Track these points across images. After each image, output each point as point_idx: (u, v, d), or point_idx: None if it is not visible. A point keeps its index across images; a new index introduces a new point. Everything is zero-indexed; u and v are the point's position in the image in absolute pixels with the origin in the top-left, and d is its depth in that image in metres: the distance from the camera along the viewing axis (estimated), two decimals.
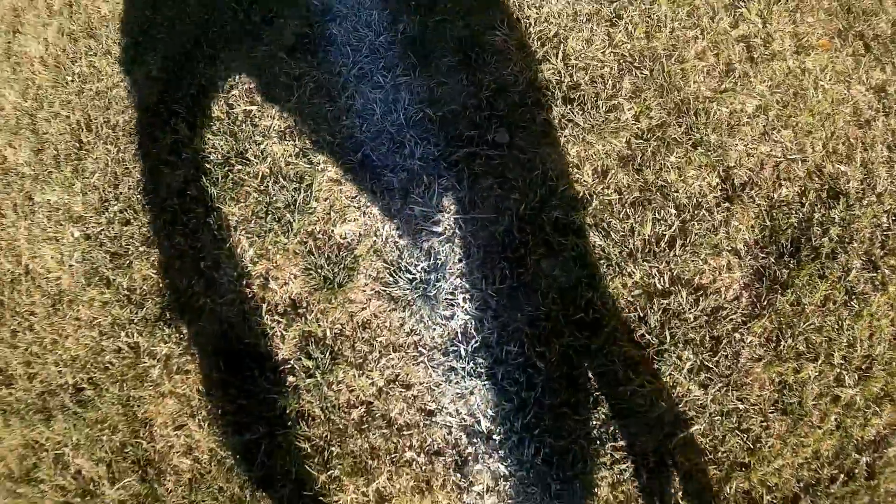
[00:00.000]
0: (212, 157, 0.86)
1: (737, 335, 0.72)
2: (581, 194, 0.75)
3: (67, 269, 0.90)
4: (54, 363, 0.85)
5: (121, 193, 0.91)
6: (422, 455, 0.66)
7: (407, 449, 0.66)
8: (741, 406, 0.70)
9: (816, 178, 0.85)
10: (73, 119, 1.07)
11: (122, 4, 1.19)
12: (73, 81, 1.14)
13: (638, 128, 0.80)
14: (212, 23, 1.06)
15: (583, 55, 0.87)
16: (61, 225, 0.96)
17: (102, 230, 0.89)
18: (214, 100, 0.92)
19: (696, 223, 0.75)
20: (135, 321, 0.79)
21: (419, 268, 0.75)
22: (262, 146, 0.85)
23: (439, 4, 0.96)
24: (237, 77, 0.94)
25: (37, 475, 0.80)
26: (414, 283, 0.74)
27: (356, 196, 0.78)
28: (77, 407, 0.80)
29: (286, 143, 0.84)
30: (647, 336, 0.70)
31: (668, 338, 0.70)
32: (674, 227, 0.75)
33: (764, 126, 0.85)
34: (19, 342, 0.90)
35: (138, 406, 0.75)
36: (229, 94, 0.92)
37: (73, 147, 1.03)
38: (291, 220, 0.77)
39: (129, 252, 0.84)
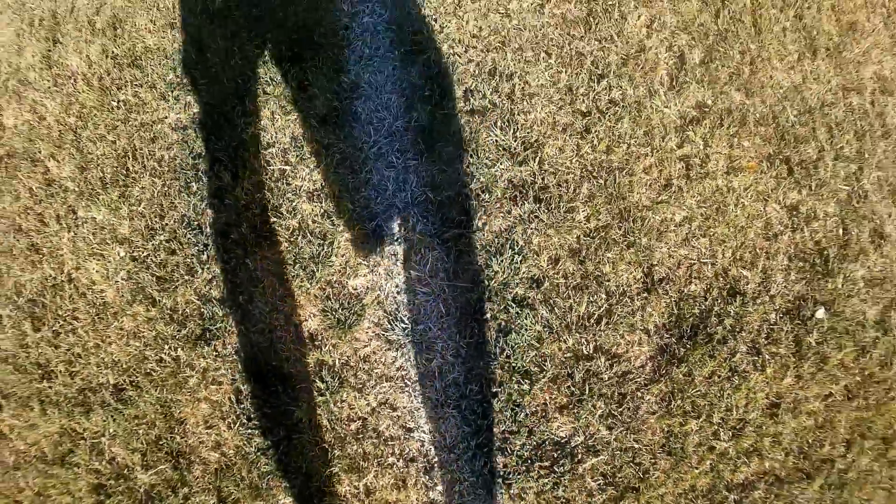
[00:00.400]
0: (251, 207, 1.19)
1: (639, 393, 1.10)
2: (537, 276, 1.12)
3: (112, 284, 1.21)
4: (96, 364, 1.16)
5: (166, 225, 1.23)
6: (400, 460, 1.01)
7: (390, 455, 1.00)
8: (636, 445, 1.08)
9: (721, 279, 1.25)
10: (118, 145, 1.38)
11: (168, 41, 1.50)
12: (118, 108, 1.44)
13: (587, 227, 1.18)
14: (253, 79, 1.39)
15: (555, 161, 1.24)
16: (107, 244, 1.27)
17: (149, 255, 1.21)
18: (254, 154, 1.25)
19: (619, 307, 1.13)
20: (177, 337, 1.11)
21: (411, 319, 1.10)
22: (293, 203, 1.18)
23: (446, 98, 1.32)
24: (275, 136, 1.28)
25: (72, 459, 1.11)
26: (406, 331, 1.09)
27: (367, 257, 1.13)
28: (117, 404, 1.11)
29: (314, 203, 1.18)
30: (572, 388, 1.08)
31: (588, 391, 1.07)
32: (602, 308, 1.12)
33: (686, 234, 1.24)
34: (61, 342, 1.20)
35: (175, 407, 1.07)
36: (267, 151, 1.26)
37: (119, 173, 1.33)
38: (314, 270, 1.11)
39: (175, 278, 1.16)
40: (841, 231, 1.30)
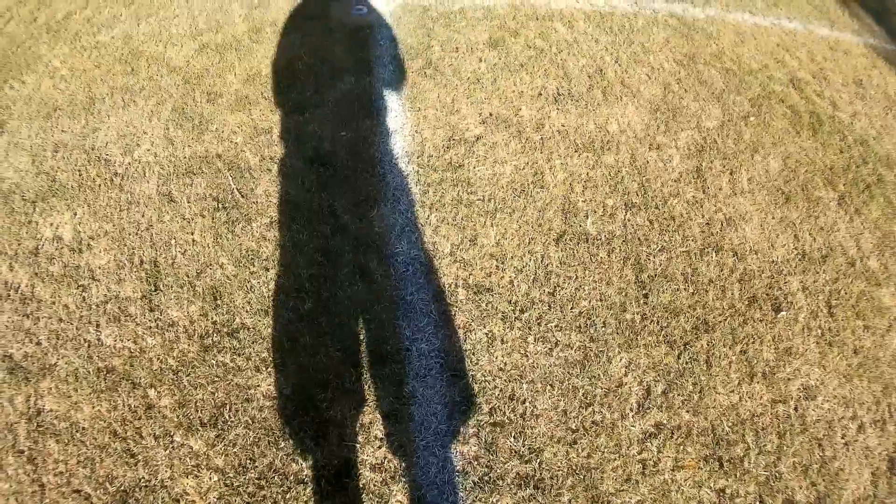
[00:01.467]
0: (327, 467, 2.76)
1: None
2: None
3: (205, 500, 2.66)
4: None
5: (256, 467, 2.74)
6: None
7: None
8: None
9: None
10: (217, 396, 2.96)
11: (263, 325, 3.27)
12: (217, 366, 3.10)
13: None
14: (335, 375, 3.12)
15: (550, 462, 2.89)
16: (202, 469, 2.75)
17: (240, 486, 2.69)
18: (332, 432, 2.88)
19: None
20: None
21: None
22: (360, 471, 2.77)
23: (477, 413, 3.09)
24: (347, 422, 2.94)
25: None
26: None
27: None
28: None
29: (375, 473, 2.75)
30: None
31: None
32: None
33: None
34: None
35: None
36: (344, 431, 2.90)
37: (216, 418, 2.89)
38: None
39: None
40: (758, 503, 2.93)
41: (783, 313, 3.74)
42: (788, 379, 3.40)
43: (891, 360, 3.66)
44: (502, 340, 3.31)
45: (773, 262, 4.00)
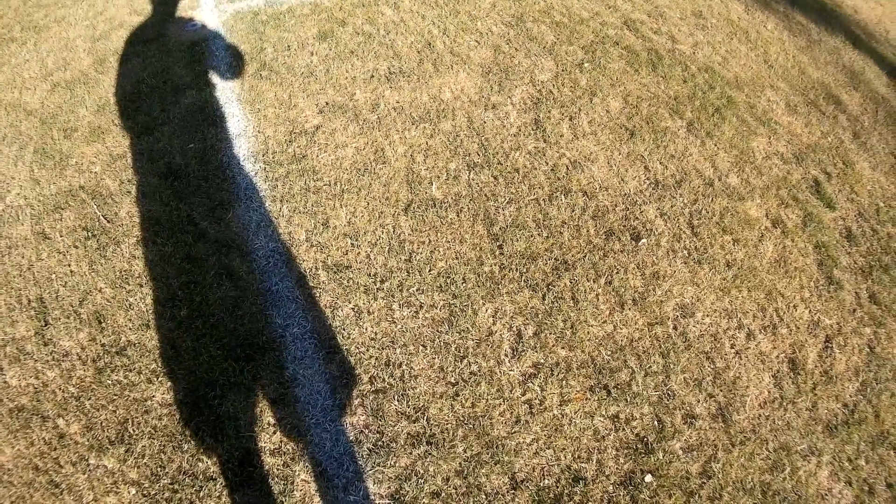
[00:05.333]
0: (231, 461, 3.15)
1: None
2: (436, 490, 3.15)
3: None
4: None
5: (167, 473, 3.10)
6: None
7: None
8: None
9: (566, 472, 3.22)
10: (118, 413, 3.26)
11: (147, 338, 3.54)
12: (113, 385, 3.38)
13: (466, 456, 3.11)
14: (219, 371, 3.46)
15: (438, 417, 3.34)
16: (119, 485, 3.09)
17: (157, 493, 3.06)
18: (228, 426, 3.26)
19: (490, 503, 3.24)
20: None
21: None
22: (261, 457, 3.18)
23: (358, 383, 3.53)
24: (240, 414, 3.32)
25: None
26: None
27: (318, 490, 3.14)
28: None
29: (276, 457, 3.16)
30: None
31: None
32: None
33: (535, 449, 3.17)
34: None
35: None
36: (239, 423, 3.28)
37: (122, 433, 3.20)
38: (283, 500, 3.07)
39: None
40: (656, 423, 3.30)
41: (644, 241, 4.14)
42: (661, 301, 3.83)
43: (769, 267, 4.13)
44: (369, 312, 3.70)
45: (625, 194, 4.42)
